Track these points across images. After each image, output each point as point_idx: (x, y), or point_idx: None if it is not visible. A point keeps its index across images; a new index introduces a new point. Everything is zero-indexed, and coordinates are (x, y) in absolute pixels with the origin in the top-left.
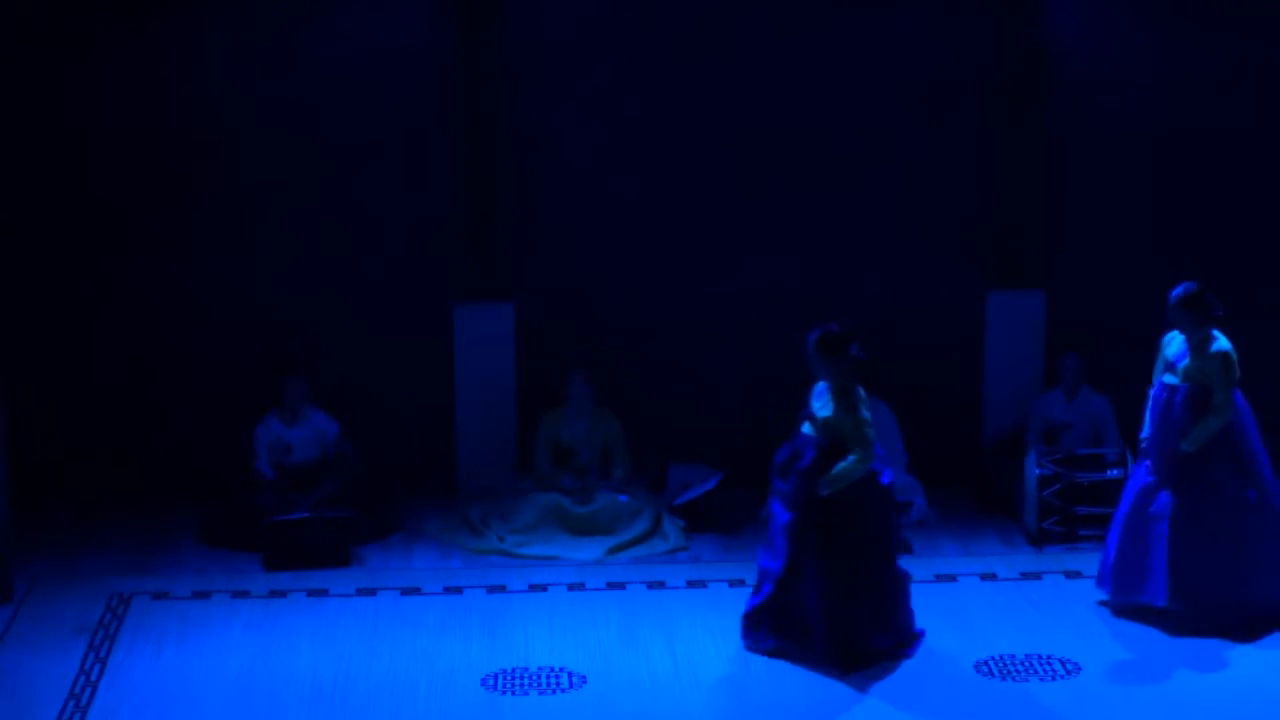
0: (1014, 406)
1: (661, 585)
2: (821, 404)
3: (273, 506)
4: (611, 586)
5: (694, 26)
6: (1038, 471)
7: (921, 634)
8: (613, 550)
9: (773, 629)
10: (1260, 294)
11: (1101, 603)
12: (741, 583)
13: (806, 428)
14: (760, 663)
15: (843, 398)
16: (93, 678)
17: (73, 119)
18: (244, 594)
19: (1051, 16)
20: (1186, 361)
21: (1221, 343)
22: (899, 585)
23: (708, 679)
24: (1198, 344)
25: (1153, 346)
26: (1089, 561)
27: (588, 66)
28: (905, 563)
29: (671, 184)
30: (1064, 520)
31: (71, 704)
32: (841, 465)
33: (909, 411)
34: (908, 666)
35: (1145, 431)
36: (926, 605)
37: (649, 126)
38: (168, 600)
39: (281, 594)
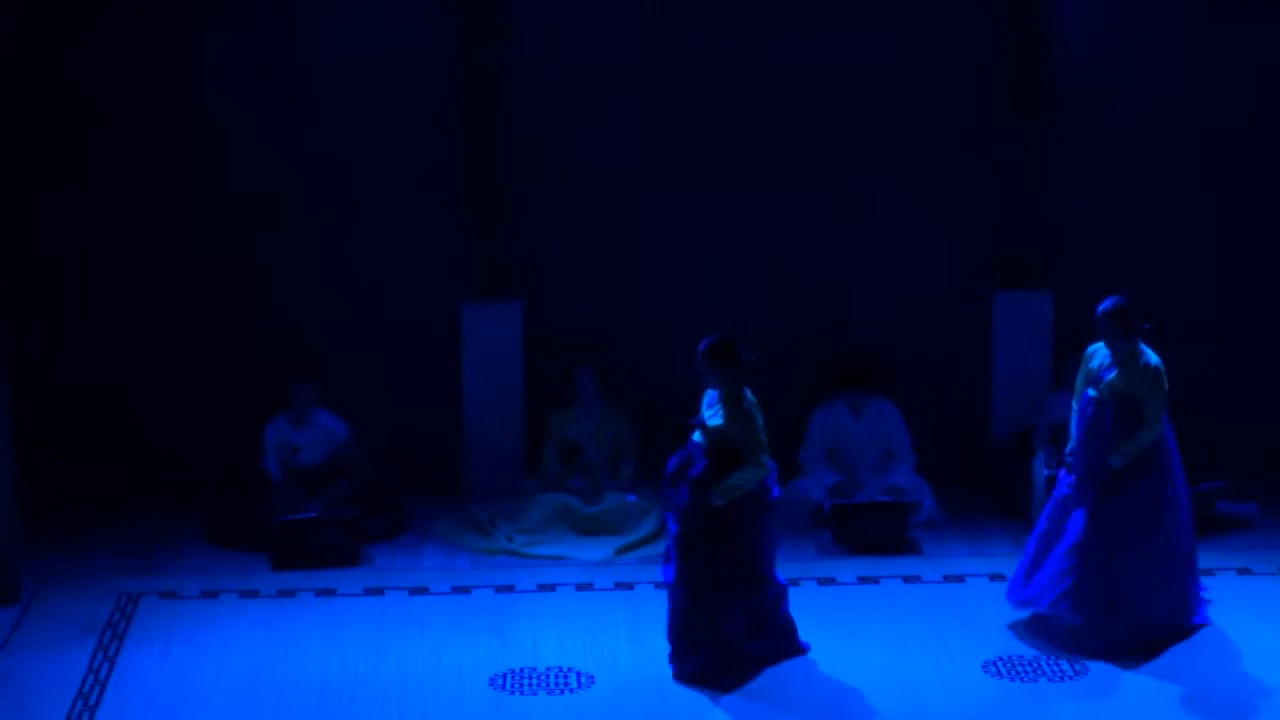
0: (1022, 407)
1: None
2: (713, 412)
3: (282, 506)
4: (620, 587)
5: (700, 27)
6: (1046, 472)
7: (806, 647)
8: (621, 550)
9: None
10: (1270, 294)
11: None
12: None
13: (698, 436)
14: (769, 663)
15: (734, 406)
16: (101, 677)
17: (79, 122)
18: (252, 594)
19: (1060, 16)
20: (1114, 375)
21: (1151, 356)
22: (780, 596)
23: None
24: (1126, 357)
25: (1161, 347)
26: None
27: (596, 65)
28: (915, 563)
29: (679, 182)
30: None
31: (80, 703)
32: (736, 475)
33: (917, 412)
34: (917, 667)
35: (1071, 445)
36: (935, 606)
37: (657, 125)
38: (176, 600)
39: (290, 594)
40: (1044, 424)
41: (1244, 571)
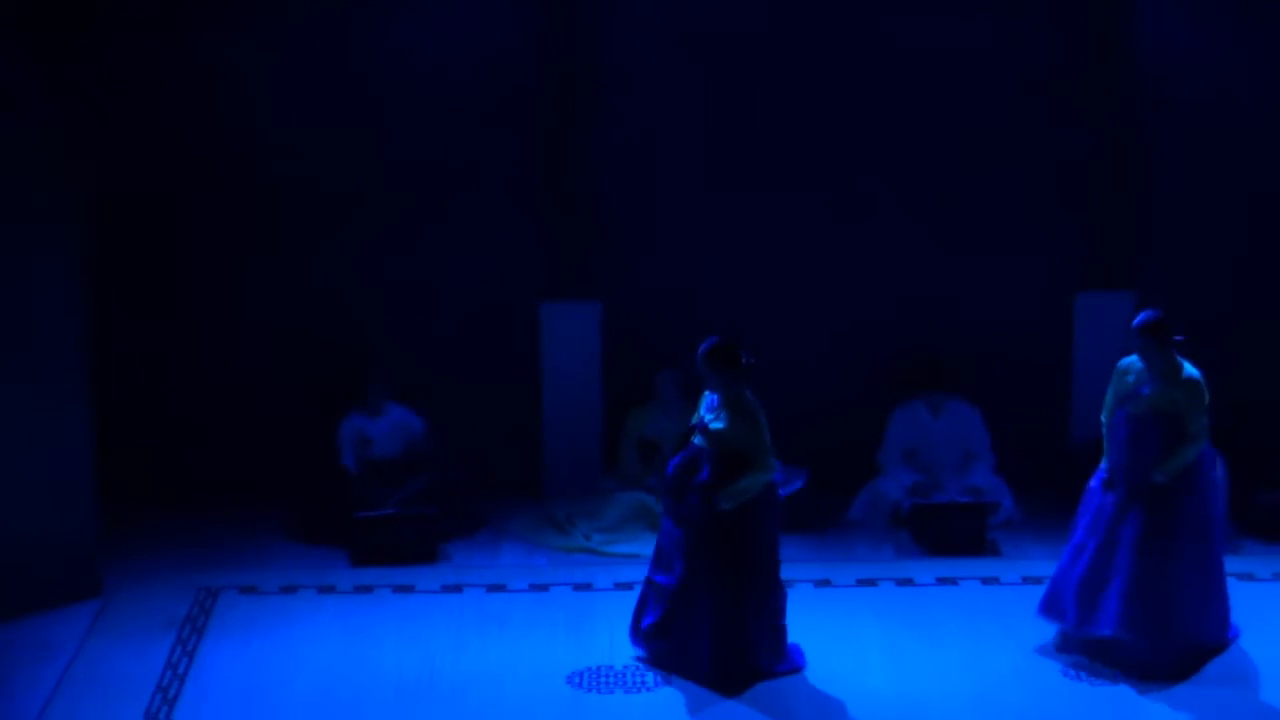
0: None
1: None
2: (714, 416)
3: (360, 502)
4: None
5: (785, 28)
6: None
7: (803, 665)
8: None
9: (663, 642)
10: None
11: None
12: (828, 583)
13: (699, 440)
14: (846, 661)
15: (737, 409)
16: (180, 670)
17: (168, 125)
18: (330, 589)
19: (1143, 15)
20: (1154, 389)
21: (1190, 369)
22: (783, 602)
23: (791, 678)
24: (1165, 371)
25: (1244, 349)
26: None
27: (677, 66)
28: (994, 565)
29: (760, 184)
30: None
31: (159, 696)
32: (744, 479)
33: (997, 413)
34: (997, 669)
35: (1109, 460)
36: (1014, 607)
37: (739, 126)
38: (255, 595)
39: (368, 589)
40: None
41: None
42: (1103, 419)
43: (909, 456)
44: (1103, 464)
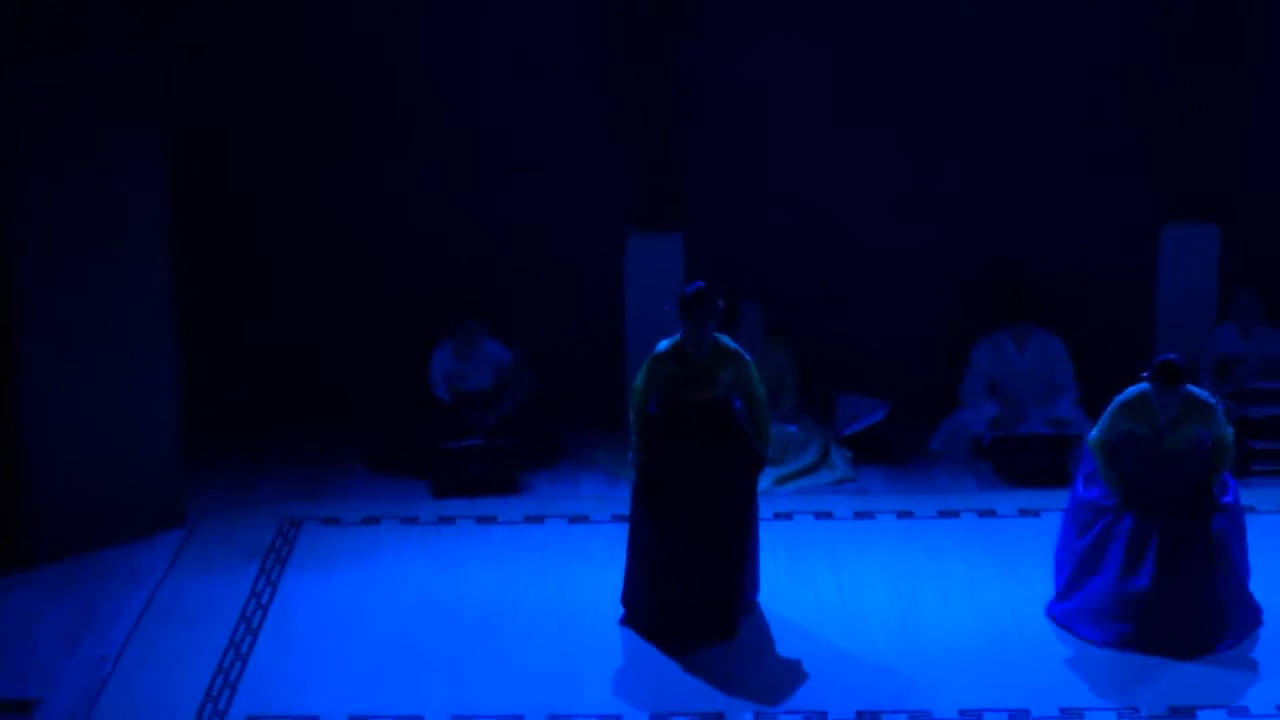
0: (1186, 341)
1: (829, 516)
2: (719, 365)
3: (448, 431)
4: (779, 517)
5: None
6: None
7: None
8: (780, 480)
9: (691, 605)
10: None
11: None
12: (910, 514)
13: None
14: (928, 592)
15: (738, 354)
16: (263, 600)
17: (263, 58)
18: (413, 520)
19: None
20: (1185, 427)
21: (1202, 394)
22: None
23: (874, 610)
24: (1188, 406)
25: None
26: (1263, 496)
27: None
28: None
29: (844, 115)
30: (1237, 455)
31: (243, 625)
32: (764, 416)
33: (1080, 345)
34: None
35: (1122, 486)
36: None
37: (822, 56)
38: (338, 526)
39: (450, 520)
40: (1208, 358)
41: None
42: (1093, 440)
43: (992, 389)
44: (1120, 491)
